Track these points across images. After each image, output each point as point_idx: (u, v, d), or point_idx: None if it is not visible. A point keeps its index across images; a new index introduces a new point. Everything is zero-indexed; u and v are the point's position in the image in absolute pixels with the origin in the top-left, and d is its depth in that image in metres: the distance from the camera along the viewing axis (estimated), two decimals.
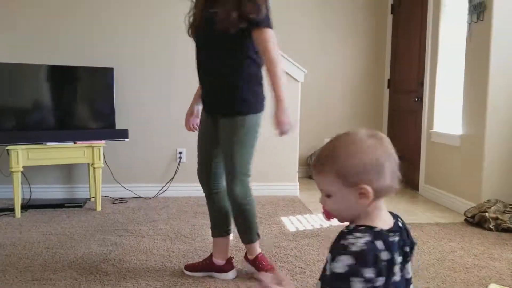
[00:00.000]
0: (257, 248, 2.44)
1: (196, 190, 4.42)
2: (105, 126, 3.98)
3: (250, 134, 2.23)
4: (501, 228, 3.33)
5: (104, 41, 4.17)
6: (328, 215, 1.09)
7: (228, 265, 2.45)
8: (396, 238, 1.01)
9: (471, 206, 3.60)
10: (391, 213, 1.09)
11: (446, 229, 3.40)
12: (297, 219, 3.60)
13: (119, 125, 4.06)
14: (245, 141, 2.21)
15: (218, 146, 2.30)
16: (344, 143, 1.02)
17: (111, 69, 3.98)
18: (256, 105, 2.24)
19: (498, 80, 3.55)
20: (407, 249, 1.04)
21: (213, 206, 2.45)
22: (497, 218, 3.34)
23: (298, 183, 4.50)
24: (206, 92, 2.32)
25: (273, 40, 2.09)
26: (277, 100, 2.07)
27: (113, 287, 2.30)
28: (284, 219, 3.59)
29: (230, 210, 2.40)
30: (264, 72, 2.20)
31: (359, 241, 0.95)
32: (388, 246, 0.97)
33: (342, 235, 1.00)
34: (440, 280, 2.46)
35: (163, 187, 4.30)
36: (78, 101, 4.04)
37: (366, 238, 0.96)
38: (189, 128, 2.56)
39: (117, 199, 4.12)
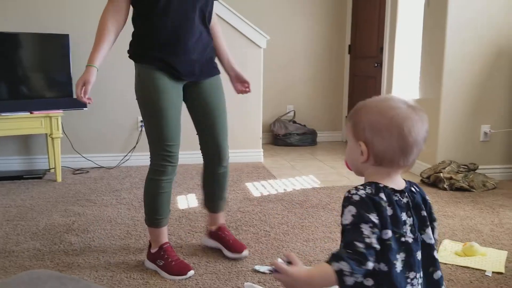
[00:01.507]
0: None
1: None
2: (62, 95, 3.88)
3: None
4: (454, 188, 3.49)
5: (58, 6, 4.00)
6: (347, 165, 1.15)
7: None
8: (404, 200, 1.03)
9: (427, 168, 3.74)
10: (407, 181, 1.10)
11: None
12: (261, 185, 3.65)
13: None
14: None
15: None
16: (378, 100, 1.06)
17: (67, 36, 3.85)
18: None
19: (454, 44, 3.64)
20: (424, 213, 1.06)
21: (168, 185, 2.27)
22: (451, 178, 3.50)
23: (262, 150, 4.55)
24: (192, 59, 2.11)
25: None
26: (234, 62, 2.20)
27: (78, 257, 2.30)
28: (249, 185, 3.64)
29: None
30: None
31: (359, 192, 0.99)
32: (391, 202, 1.00)
33: (347, 191, 1.03)
34: None
35: (125, 156, 4.26)
36: (33, 70, 3.90)
37: (367, 190, 1.00)
38: (85, 99, 2.09)
39: (77, 170, 4.06)
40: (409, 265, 1.00)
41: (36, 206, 3.09)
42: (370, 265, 0.93)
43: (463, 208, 3.10)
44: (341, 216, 0.99)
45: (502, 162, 3.88)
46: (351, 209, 0.97)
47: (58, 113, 3.64)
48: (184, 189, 3.50)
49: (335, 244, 2.47)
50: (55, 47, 3.88)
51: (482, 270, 2.19)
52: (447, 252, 2.38)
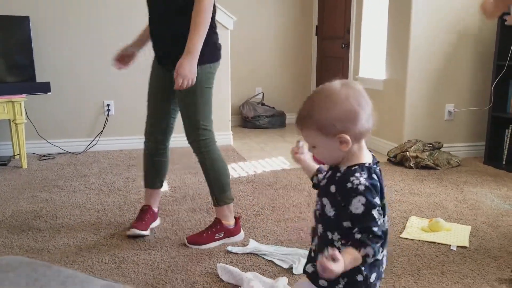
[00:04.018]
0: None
1: (128, 143, 4.37)
2: (25, 80, 3.76)
3: None
4: (420, 166, 3.58)
5: None
6: (318, 161, 1.26)
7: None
8: (378, 168, 1.16)
9: (394, 147, 3.83)
10: None
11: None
12: (232, 167, 3.66)
13: (40, 78, 3.85)
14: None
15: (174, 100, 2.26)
16: (320, 98, 1.13)
17: (27, 18, 3.72)
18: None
19: (419, 25, 3.70)
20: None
21: (162, 161, 2.42)
22: (416, 157, 3.59)
23: (231, 132, 4.54)
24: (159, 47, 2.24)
25: None
26: (187, 50, 2.00)
27: (48, 243, 2.27)
28: None
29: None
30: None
31: (361, 180, 1.08)
32: (378, 176, 1.13)
33: (343, 179, 1.11)
34: None
35: (92, 141, 4.18)
36: None
37: (365, 175, 1.10)
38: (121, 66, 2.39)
39: (43, 156, 3.97)
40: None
41: (2, 193, 3.01)
42: (387, 235, 1.11)
43: (429, 186, 3.19)
44: (348, 205, 1.08)
45: (465, 140, 4.00)
46: (361, 199, 1.07)
47: (20, 98, 3.53)
48: None
49: (305, 224, 2.51)
50: (15, 29, 3.74)
51: (448, 244, 2.27)
52: (414, 228, 2.46)
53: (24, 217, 2.60)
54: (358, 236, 1.06)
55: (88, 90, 4.12)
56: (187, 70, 1.99)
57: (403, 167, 3.62)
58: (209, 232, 2.27)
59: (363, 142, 1.15)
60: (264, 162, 3.86)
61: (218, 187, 2.28)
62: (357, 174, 1.10)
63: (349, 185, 1.09)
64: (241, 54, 5.33)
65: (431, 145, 3.71)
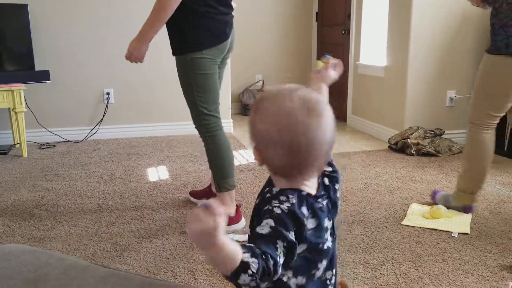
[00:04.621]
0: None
1: (127, 131, 4.36)
2: (24, 68, 3.74)
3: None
4: (421, 153, 3.57)
5: None
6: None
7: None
8: (325, 202, 0.98)
9: (395, 134, 3.82)
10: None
11: (372, 156, 3.60)
12: None
13: (40, 67, 3.83)
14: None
15: None
16: (267, 105, 0.95)
17: (25, 6, 3.69)
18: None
19: (420, 11, 3.67)
20: (336, 199, 1.02)
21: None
22: (418, 144, 3.58)
23: (231, 120, 4.53)
24: None
25: None
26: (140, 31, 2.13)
27: (49, 231, 2.27)
28: None
29: None
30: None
31: (282, 206, 0.91)
32: (315, 213, 0.94)
33: (267, 199, 0.95)
34: (367, 203, 2.64)
35: (92, 129, 4.17)
36: None
37: (291, 201, 0.92)
38: None
39: (44, 144, 3.96)
40: (329, 266, 0.99)
41: (3, 182, 3.01)
42: (275, 278, 0.87)
43: (430, 173, 3.19)
44: (257, 224, 0.90)
45: (467, 126, 3.97)
46: (270, 222, 0.88)
47: (20, 87, 3.52)
48: (154, 161, 3.47)
49: None
50: (13, 18, 3.71)
51: (449, 231, 2.27)
52: (415, 215, 2.46)
53: (25, 206, 2.60)
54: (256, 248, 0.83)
55: (88, 78, 4.10)
56: (131, 47, 2.14)
57: (404, 154, 3.62)
58: None
59: (303, 177, 0.96)
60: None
61: (221, 173, 2.28)
62: (282, 198, 0.92)
63: (268, 206, 0.92)
64: (240, 41, 5.28)
65: (432, 132, 3.70)
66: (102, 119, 4.17)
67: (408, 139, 3.61)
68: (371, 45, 4.46)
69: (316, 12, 5.54)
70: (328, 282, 1.00)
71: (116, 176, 3.12)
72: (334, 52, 5.12)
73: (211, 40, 2.18)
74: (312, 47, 5.68)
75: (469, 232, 2.27)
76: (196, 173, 3.18)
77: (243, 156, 3.64)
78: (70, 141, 4.08)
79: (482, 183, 2.44)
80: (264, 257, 0.82)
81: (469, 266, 1.94)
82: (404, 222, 2.38)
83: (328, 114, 0.93)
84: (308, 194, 0.95)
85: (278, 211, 0.89)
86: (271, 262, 0.82)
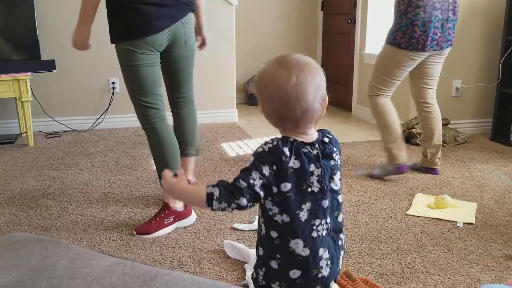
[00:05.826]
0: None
1: (133, 121, 4.33)
2: (30, 58, 3.75)
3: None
4: None
5: None
6: None
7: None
8: (314, 152, 1.08)
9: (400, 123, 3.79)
10: (321, 130, 1.15)
11: (376, 146, 3.60)
12: (237, 145, 3.66)
13: (45, 56, 3.83)
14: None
15: None
16: (262, 68, 1.12)
17: None
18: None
19: None
20: (333, 162, 1.12)
21: None
22: None
23: (236, 110, 4.53)
24: None
25: None
26: None
27: (56, 220, 2.29)
28: (224, 145, 3.64)
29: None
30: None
31: (265, 146, 1.07)
32: (299, 155, 1.06)
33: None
34: (372, 193, 2.64)
35: (97, 119, 4.18)
36: None
37: (274, 143, 1.07)
38: None
39: (50, 134, 3.98)
40: (314, 213, 1.08)
41: (10, 171, 3.03)
42: (243, 202, 1.02)
43: None
44: None
45: (472, 116, 3.97)
46: (251, 159, 1.06)
47: (26, 76, 3.53)
48: None
49: None
50: (19, 7, 3.71)
51: (454, 221, 2.27)
52: (420, 205, 2.46)
53: (32, 195, 2.62)
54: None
55: (93, 67, 4.10)
56: (73, 35, 2.22)
57: (409, 144, 3.61)
58: (157, 219, 2.16)
59: (301, 127, 1.11)
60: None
61: (162, 166, 2.17)
62: (269, 141, 1.09)
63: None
64: (246, 30, 5.28)
65: None
66: (107, 109, 4.18)
67: (414, 129, 3.60)
68: (377, 35, 4.43)
69: (322, 1, 5.50)
70: (314, 227, 1.09)
71: (122, 166, 3.13)
72: (339, 41, 5.10)
73: (131, 32, 2.05)
74: (317, 36, 5.64)
75: (474, 222, 2.27)
76: (201, 162, 3.19)
77: (248, 145, 3.64)
78: (76, 130, 4.09)
79: (398, 138, 2.82)
80: (231, 183, 1.02)
81: (474, 256, 1.95)
82: (409, 212, 2.39)
83: (302, 69, 1.05)
84: (295, 140, 1.08)
85: (260, 150, 1.07)
86: (242, 183, 1.01)
